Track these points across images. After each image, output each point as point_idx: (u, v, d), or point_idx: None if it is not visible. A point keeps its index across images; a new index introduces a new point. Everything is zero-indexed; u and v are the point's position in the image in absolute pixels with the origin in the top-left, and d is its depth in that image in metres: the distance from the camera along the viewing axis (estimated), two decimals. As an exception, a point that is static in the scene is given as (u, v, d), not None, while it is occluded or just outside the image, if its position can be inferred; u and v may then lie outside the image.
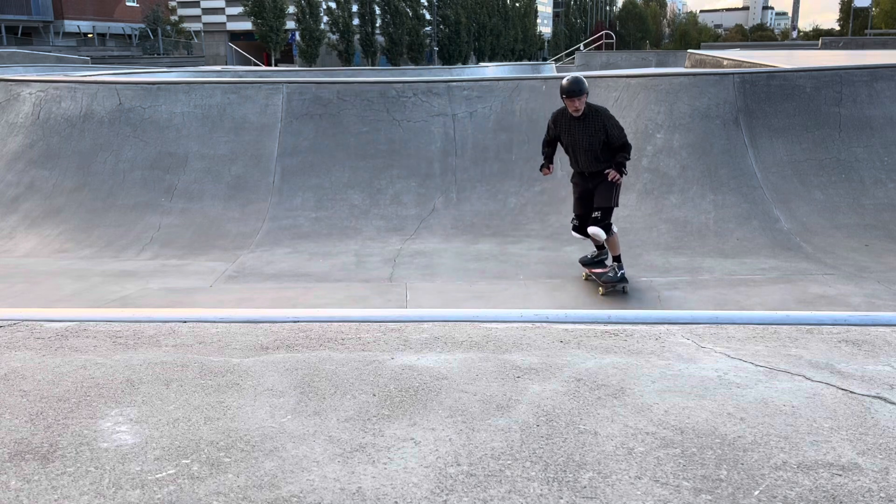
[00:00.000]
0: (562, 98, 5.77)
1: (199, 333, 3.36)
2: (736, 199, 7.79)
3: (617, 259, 5.92)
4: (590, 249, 6.38)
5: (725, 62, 15.21)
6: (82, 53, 42.37)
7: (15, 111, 9.49)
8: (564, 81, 5.77)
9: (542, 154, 6.19)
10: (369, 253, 7.22)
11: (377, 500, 2.00)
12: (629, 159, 5.87)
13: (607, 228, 5.83)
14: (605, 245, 6.03)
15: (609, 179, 5.75)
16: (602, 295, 5.81)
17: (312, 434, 2.38)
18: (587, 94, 5.74)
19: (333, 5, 54.33)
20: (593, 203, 5.89)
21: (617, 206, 5.92)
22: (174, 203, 8.28)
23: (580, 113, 5.73)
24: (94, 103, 9.23)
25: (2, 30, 52.34)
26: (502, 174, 8.48)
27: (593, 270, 6.06)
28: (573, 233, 6.25)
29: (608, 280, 5.83)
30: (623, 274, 5.87)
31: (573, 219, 6.21)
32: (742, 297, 5.61)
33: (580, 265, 6.33)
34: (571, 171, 6.16)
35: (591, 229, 5.84)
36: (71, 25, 57.92)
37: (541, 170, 6.16)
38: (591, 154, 5.81)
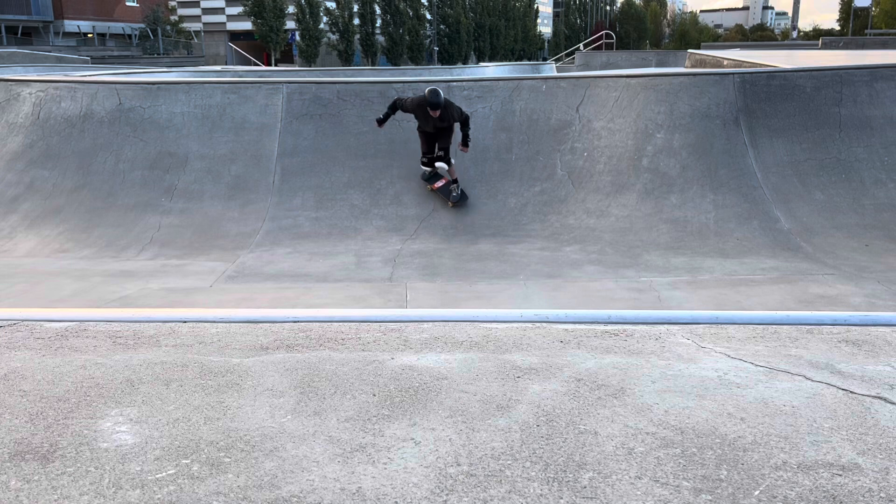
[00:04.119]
0: (426, 106, 7.78)
1: (199, 333, 3.36)
2: (736, 199, 7.79)
3: (455, 181, 8.25)
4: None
5: (725, 62, 15.20)
6: (82, 53, 42.37)
7: (15, 111, 9.49)
8: (427, 93, 7.75)
9: (383, 114, 8.20)
10: (369, 253, 7.21)
11: (377, 500, 2.00)
12: (470, 129, 8.16)
13: (448, 161, 8.13)
14: (447, 173, 8.20)
15: (463, 151, 8.28)
16: (452, 207, 8.16)
17: (312, 434, 2.38)
18: (445, 106, 7.80)
19: (333, 5, 54.33)
20: (437, 145, 8.14)
21: (452, 143, 8.19)
22: (174, 203, 8.28)
23: (438, 115, 7.82)
24: (94, 103, 9.23)
25: (2, 30, 52.35)
26: (502, 174, 8.48)
27: (437, 185, 8.30)
28: (423, 167, 8.38)
29: (454, 199, 8.18)
30: (462, 191, 8.25)
31: (423, 156, 8.36)
32: (742, 297, 5.61)
33: (422, 180, 8.44)
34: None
35: (439, 164, 8.12)
36: (71, 25, 57.93)
37: (377, 121, 8.20)
38: (446, 132, 8.11)
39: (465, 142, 8.04)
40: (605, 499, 2.00)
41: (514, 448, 2.27)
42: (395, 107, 8.16)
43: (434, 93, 7.65)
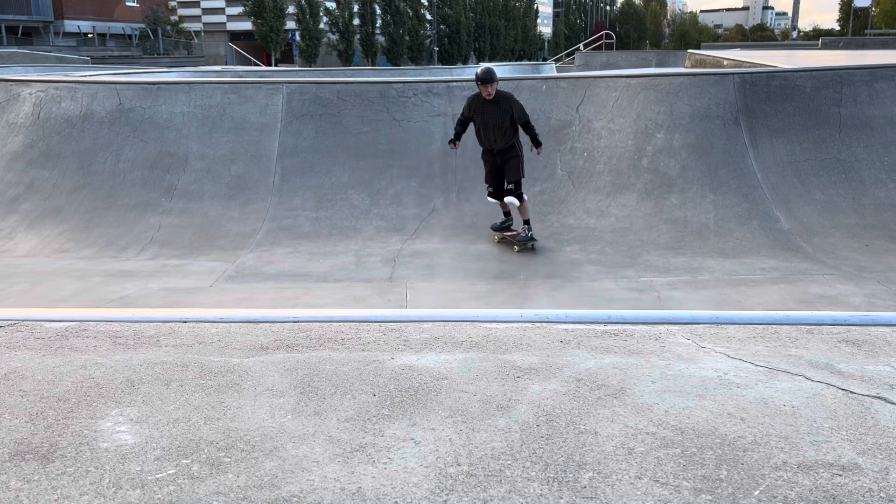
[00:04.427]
0: (477, 85, 6.95)
1: (199, 333, 3.36)
2: (736, 199, 7.79)
3: (527, 223, 7.11)
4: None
5: (725, 62, 15.20)
6: (82, 53, 42.38)
7: (15, 111, 9.49)
8: (479, 70, 6.96)
9: (454, 131, 7.35)
10: (369, 253, 7.22)
11: (377, 500, 2.00)
12: (537, 133, 7.21)
13: (520, 197, 7.04)
14: (518, 211, 7.15)
15: (521, 159, 7.13)
16: (517, 252, 6.98)
17: (312, 434, 2.38)
18: (497, 81, 6.91)
19: (333, 5, 54.33)
20: (504, 177, 7.12)
21: (524, 176, 7.18)
22: (174, 203, 8.28)
23: (492, 97, 6.88)
24: (94, 103, 9.23)
25: (2, 30, 52.35)
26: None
27: (506, 234, 7.29)
28: (488, 198, 7.48)
29: (521, 240, 7.04)
30: (532, 234, 7.07)
31: (487, 187, 7.43)
32: (742, 297, 5.61)
33: (492, 231, 7.50)
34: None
35: (508, 199, 7.06)
36: (71, 25, 57.94)
37: (449, 143, 7.39)
38: (501, 131, 7.00)
39: (535, 141, 7.15)
40: (605, 499, 2.00)
41: (514, 448, 2.27)
42: (459, 121, 7.36)
43: (486, 69, 6.95)
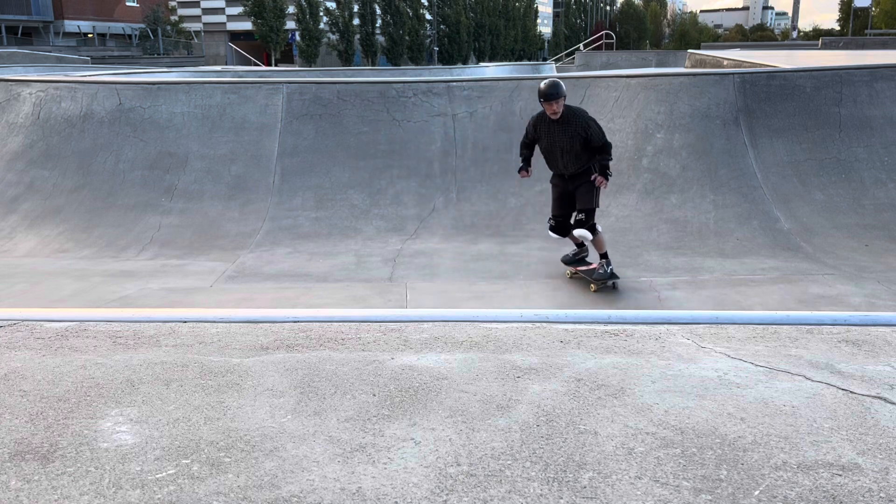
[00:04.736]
0: (540, 102, 5.77)
1: (199, 333, 3.36)
2: (736, 199, 7.79)
3: (604, 256, 5.98)
4: (570, 246, 6.42)
5: (725, 62, 15.20)
6: (82, 53, 42.39)
7: (15, 111, 9.49)
8: (542, 85, 5.74)
9: (521, 156, 6.22)
10: (369, 253, 7.21)
11: (377, 500, 2.00)
12: (611, 159, 5.89)
13: (592, 229, 5.89)
14: (592, 244, 6.06)
15: (595, 184, 5.84)
16: (594, 291, 5.87)
17: (312, 434, 2.37)
18: (565, 97, 5.72)
19: (333, 5, 54.35)
20: (575, 205, 5.95)
21: (598, 206, 6.00)
22: (174, 203, 8.28)
23: (559, 116, 5.73)
24: (94, 103, 9.23)
25: (2, 30, 52.35)
26: (502, 174, 8.48)
27: (579, 269, 6.16)
28: (550, 233, 6.32)
29: (599, 277, 5.89)
30: (612, 270, 5.93)
31: (550, 219, 6.27)
32: (742, 297, 5.61)
33: (563, 264, 6.45)
34: (538, 161, 6.21)
35: (578, 231, 5.92)
36: (71, 25, 57.94)
37: (519, 172, 6.21)
38: (572, 155, 5.84)
39: (600, 169, 5.81)
40: (605, 499, 2.00)
41: (514, 448, 2.27)
42: (523, 143, 6.23)
43: (550, 83, 5.69)
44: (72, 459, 2.23)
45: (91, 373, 2.89)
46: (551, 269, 6.58)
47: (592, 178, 5.84)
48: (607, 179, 5.85)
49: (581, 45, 44.35)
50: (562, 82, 5.74)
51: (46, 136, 9.11)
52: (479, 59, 62.56)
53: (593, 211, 5.92)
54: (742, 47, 34.28)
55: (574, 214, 5.95)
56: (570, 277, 6.27)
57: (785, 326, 3.39)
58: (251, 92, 9.25)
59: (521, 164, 6.20)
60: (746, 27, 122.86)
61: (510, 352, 3.08)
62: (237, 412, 2.53)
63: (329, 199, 8.32)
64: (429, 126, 8.96)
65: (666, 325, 3.42)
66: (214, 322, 3.56)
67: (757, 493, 2.01)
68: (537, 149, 6.12)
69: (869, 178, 7.96)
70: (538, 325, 3.44)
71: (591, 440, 2.31)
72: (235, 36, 61.18)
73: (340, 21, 54.39)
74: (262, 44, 53.56)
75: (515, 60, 61.54)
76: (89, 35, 60.00)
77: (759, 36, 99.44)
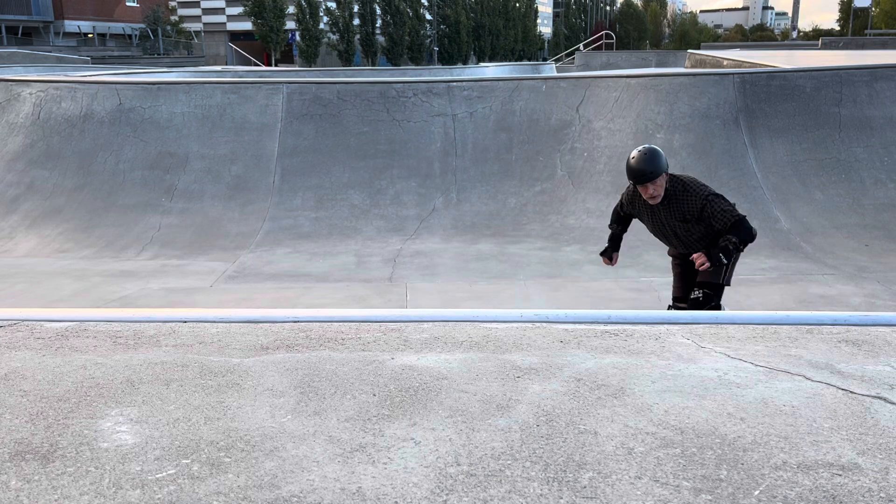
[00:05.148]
0: (629, 180, 4.32)
1: (199, 333, 3.36)
2: (736, 199, 7.74)
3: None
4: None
5: (725, 62, 15.20)
6: (82, 53, 42.40)
7: (15, 111, 9.49)
8: (632, 160, 4.16)
9: (609, 228, 4.76)
10: (369, 253, 7.21)
11: (377, 500, 2.00)
12: (750, 240, 4.29)
13: (715, 310, 4.26)
14: None
15: (698, 267, 4.25)
16: None
17: (312, 434, 2.37)
18: (665, 173, 4.17)
19: (333, 5, 54.35)
20: (698, 276, 4.40)
21: (729, 284, 4.52)
22: (174, 203, 8.28)
23: (657, 200, 4.26)
24: (95, 103, 9.23)
25: (2, 30, 52.35)
26: (502, 174, 8.48)
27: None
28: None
29: None
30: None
31: (670, 305, 4.81)
32: (742, 297, 5.61)
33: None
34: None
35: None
36: (71, 25, 57.95)
37: (601, 256, 4.85)
38: (692, 238, 4.42)
39: (725, 250, 4.21)
40: (605, 499, 2.00)
41: (514, 448, 2.27)
42: (616, 212, 4.84)
43: (641, 157, 4.11)
44: (72, 459, 2.23)
45: (91, 373, 2.89)
46: (551, 269, 6.58)
47: (697, 259, 4.23)
48: (726, 264, 4.29)
49: (581, 46, 44.35)
50: (659, 151, 4.18)
51: (46, 136, 9.11)
52: (479, 59, 62.57)
53: (720, 287, 4.42)
54: (742, 47, 34.27)
55: (693, 291, 4.45)
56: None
57: (785, 326, 3.38)
58: (251, 92, 9.25)
59: (606, 245, 4.78)
60: (746, 27, 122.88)
61: (510, 352, 3.08)
62: (237, 412, 2.53)
63: (329, 199, 8.32)
64: (429, 126, 8.96)
65: (666, 325, 3.42)
66: (214, 322, 3.56)
67: (757, 492, 2.01)
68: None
69: (869, 178, 7.96)
70: (538, 325, 3.44)
71: (591, 440, 2.31)
72: (235, 36, 61.19)
73: (340, 21, 54.39)
74: (262, 44, 53.57)
75: (515, 60, 61.52)
76: (89, 35, 60.01)
77: (759, 36, 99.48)
